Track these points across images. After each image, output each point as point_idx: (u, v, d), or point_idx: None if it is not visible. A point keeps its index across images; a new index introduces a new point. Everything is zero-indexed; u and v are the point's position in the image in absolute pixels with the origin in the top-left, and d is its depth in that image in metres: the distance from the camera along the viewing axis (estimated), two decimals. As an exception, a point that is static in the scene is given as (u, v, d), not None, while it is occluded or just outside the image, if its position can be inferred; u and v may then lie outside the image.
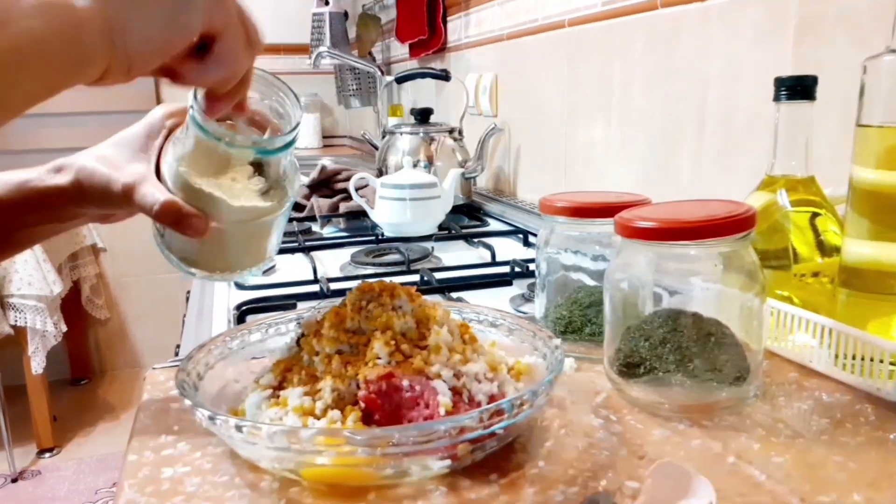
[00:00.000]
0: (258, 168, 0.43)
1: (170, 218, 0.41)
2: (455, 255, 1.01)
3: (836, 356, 0.49)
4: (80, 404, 2.56)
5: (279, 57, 2.65)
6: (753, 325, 0.47)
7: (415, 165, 1.26)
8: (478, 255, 1.02)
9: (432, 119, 1.36)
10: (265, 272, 0.89)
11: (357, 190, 1.15)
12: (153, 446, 0.43)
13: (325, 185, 1.26)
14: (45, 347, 2.09)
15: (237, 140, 0.40)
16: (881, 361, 0.46)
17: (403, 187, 1.09)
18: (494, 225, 1.23)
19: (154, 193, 0.42)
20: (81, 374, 2.73)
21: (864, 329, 0.48)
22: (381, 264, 0.93)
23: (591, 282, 0.58)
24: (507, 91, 1.42)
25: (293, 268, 0.91)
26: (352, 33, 2.37)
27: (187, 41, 0.36)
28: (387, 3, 2.17)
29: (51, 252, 2.15)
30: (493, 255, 0.93)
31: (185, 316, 0.88)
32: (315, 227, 1.19)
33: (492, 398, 0.42)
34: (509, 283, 0.82)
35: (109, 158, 0.45)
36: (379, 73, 1.79)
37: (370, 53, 2.33)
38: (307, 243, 1.02)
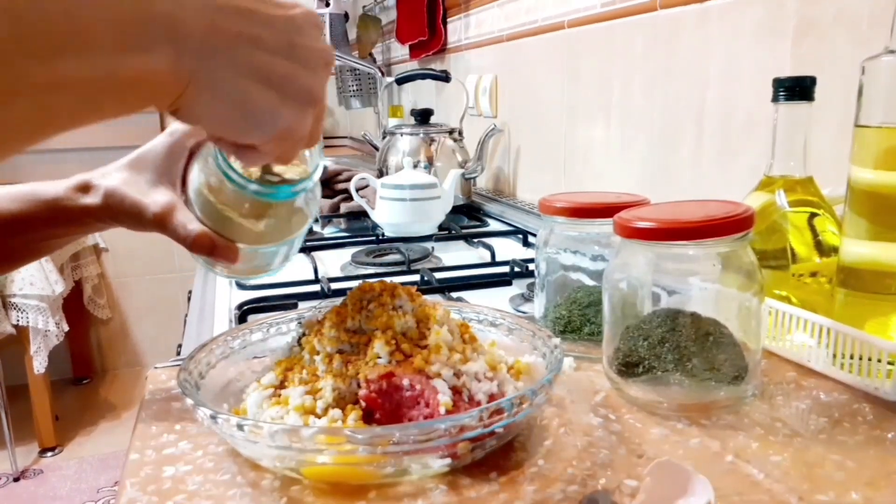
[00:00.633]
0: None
1: (203, 249, 0.43)
2: (455, 255, 1.01)
3: (834, 356, 0.50)
4: (81, 403, 2.56)
5: (280, 57, 2.64)
6: (752, 325, 0.47)
7: (415, 166, 1.26)
8: (478, 255, 1.02)
9: (432, 120, 1.36)
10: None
11: (358, 190, 1.16)
12: (155, 445, 0.44)
13: (325, 185, 1.26)
14: (47, 347, 2.10)
15: (259, 188, 0.41)
16: (879, 361, 0.47)
17: (404, 188, 1.09)
18: (494, 225, 1.23)
19: (186, 225, 0.43)
20: (83, 373, 2.73)
21: (862, 329, 0.48)
22: (381, 264, 0.94)
23: (590, 282, 0.58)
24: (507, 92, 1.42)
25: (294, 268, 0.91)
26: (352, 34, 2.37)
27: (230, 140, 0.35)
28: (387, 4, 2.17)
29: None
30: (493, 255, 0.94)
31: (186, 315, 0.88)
32: (316, 227, 1.19)
33: (491, 397, 0.42)
34: (509, 283, 0.82)
35: (135, 183, 0.46)
36: (379, 74, 1.79)
37: (370, 54, 2.33)
38: (308, 243, 1.02)
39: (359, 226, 1.18)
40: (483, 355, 0.45)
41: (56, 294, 2.09)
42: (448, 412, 0.39)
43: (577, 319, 0.57)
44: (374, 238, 1.09)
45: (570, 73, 1.14)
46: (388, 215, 1.10)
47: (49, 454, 2.20)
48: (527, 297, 0.76)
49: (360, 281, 0.48)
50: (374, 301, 0.45)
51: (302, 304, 0.71)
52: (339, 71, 2.29)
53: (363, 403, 0.41)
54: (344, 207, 1.19)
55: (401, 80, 1.43)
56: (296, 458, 0.37)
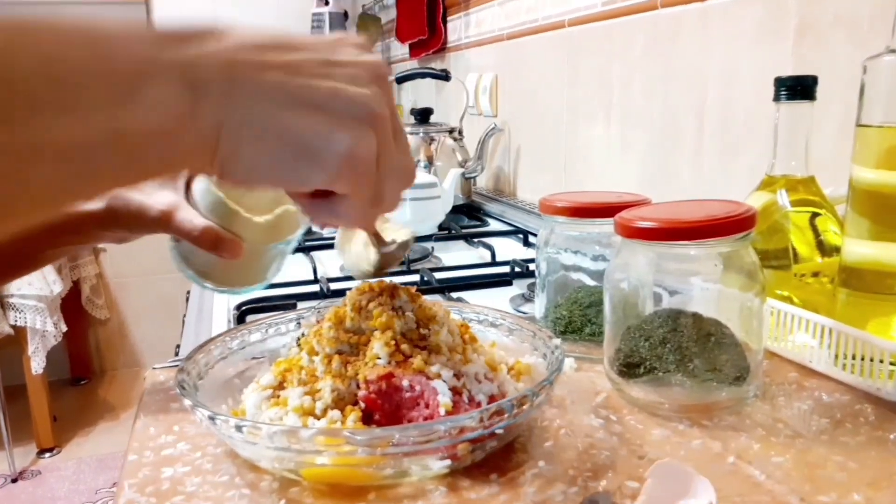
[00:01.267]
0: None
1: (208, 243, 0.43)
2: (455, 255, 1.01)
3: (836, 356, 0.49)
4: (80, 404, 2.56)
5: (279, 57, 2.64)
6: (753, 325, 0.47)
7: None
8: (478, 255, 1.02)
9: (432, 119, 1.36)
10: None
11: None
12: (153, 446, 0.43)
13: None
14: (45, 347, 2.09)
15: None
16: (881, 361, 0.46)
17: (403, 187, 1.09)
18: (494, 225, 1.23)
19: (192, 220, 0.44)
20: (81, 373, 2.73)
21: (864, 329, 0.48)
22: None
23: (590, 282, 0.58)
24: (507, 91, 1.42)
25: (293, 268, 0.91)
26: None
27: (295, 189, 0.32)
28: (387, 3, 2.17)
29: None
30: (493, 255, 0.93)
31: (185, 316, 0.88)
32: (315, 227, 1.19)
33: (492, 398, 0.42)
34: (509, 283, 0.82)
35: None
36: (379, 73, 1.79)
37: (370, 53, 2.33)
38: (308, 243, 1.02)
39: (358, 226, 1.17)
40: (483, 356, 0.45)
41: (54, 294, 2.09)
42: (448, 413, 0.39)
43: (577, 320, 0.56)
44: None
45: (571, 73, 1.14)
46: (388, 215, 1.10)
47: (47, 455, 2.20)
48: (527, 298, 0.76)
49: (360, 281, 0.47)
50: (374, 301, 0.45)
51: (301, 305, 0.71)
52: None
53: (362, 404, 0.40)
54: (343, 207, 1.19)
55: (400, 79, 1.42)
56: (295, 459, 0.37)
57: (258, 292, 0.79)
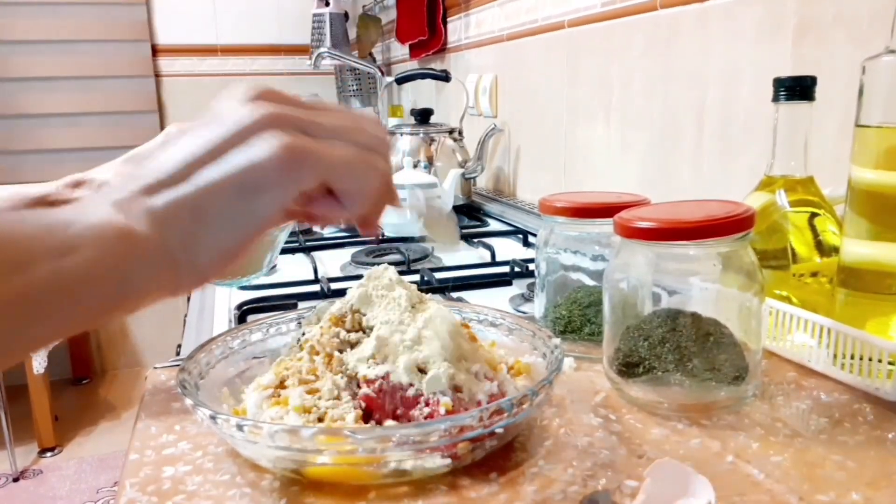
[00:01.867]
0: None
1: None
2: (455, 255, 1.01)
3: (835, 356, 0.49)
4: (81, 404, 2.56)
5: (279, 58, 2.65)
6: (752, 325, 0.47)
7: (415, 166, 1.26)
8: (478, 255, 1.02)
9: (432, 119, 1.36)
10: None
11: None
12: (154, 445, 0.43)
13: (325, 185, 1.26)
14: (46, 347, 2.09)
15: None
16: (879, 361, 0.46)
17: (404, 188, 1.09)
18: (494, 225, 1.23)
19: None
20: (83, 373, 2.73)
21: (863, 329, 0.48)
22: (381, 264, 0.93)
23: (590, 282, 0.58)
24: (507, 91, 1.42)
25: (294, 268, 0.91)
26: (352, 34, 2.37)
27: (267, 227, 0.31)
28: (387, 3, 2.17)
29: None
30: (493, 255, 0.94)
31: (186, 315, 0.88)
32: (316, 228, 1.19)
33: (492, 397, 0.42)
34: (509, 283, 0.82)
35: (130, 176, 0.44)
36: (379, 73, 1.79)
37: (370, 54, 2.33)
38: (308, 243, 1.02)
39: (358, 226, 1.17)
40: (483, 355, 0.45)
41: (56, 294, 2.08)
42: (448, 412, 0.39)
43: (577, 319, 0.57)
44: (373, 238, 1.09)
45: (571, 73, 1.14)
46: (388, 215, 1.10)
47: (48, 454, 2.20)
48: (527, 297, 0.76)
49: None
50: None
51: (302, 305, 0.71)
52: (339, 71, 2.29)
53: (363, 403, 0.41)
54: (344, 207, 1.19)
55: (401, 80, 1.42)
56: (296, 458, 0.37)
57: (257, 292, 0.80)
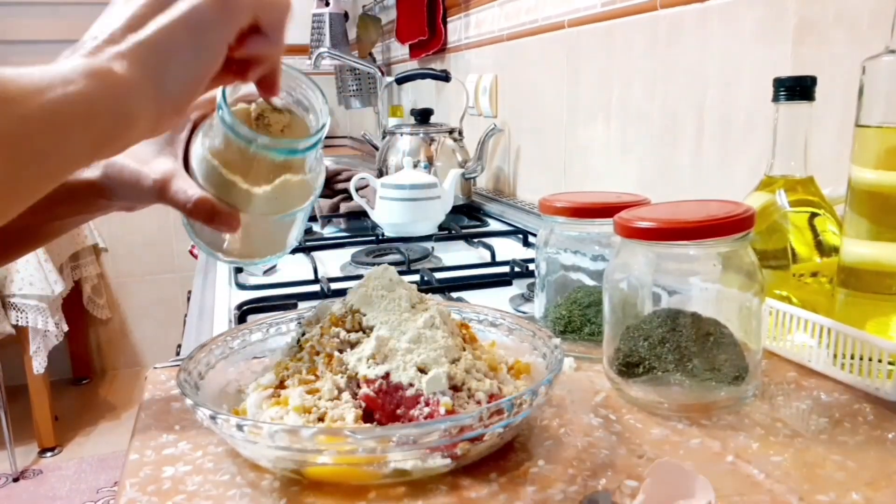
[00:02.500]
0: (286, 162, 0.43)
1: (203, 215, 0.42)
2: (455, 255, 1.01)
3: (835, 356, 0.49)
4: (81, 404, 2.56)
5: (280, 57, 2.64)
6: (752, 325, 0.47)
7: (415, 166, 1.26)
8: (478, 255, 1.02)
9: (432, 119, 1.36)
10: (266, 271, 0.90)
11: (357, 190, 1.16)
12: (154, 445, 0.43)
13: (325, 185, 1.26)
14: (46, 347, 2.09)
15: (266, 142, 0.40)
16: (879, 361, 0.46)
17: (404, 188, 1.09)
18: (494, 225, 1.23)
19: (187, 190, 0.42)
20: (83, 373, 2.73)
21: (863, 329, 0.48)
22: (381, 264, 0.93)
23: (590, 282, 0.58)
24: (507, 92, 1.42)
25: (294, 268, 0.91)
26: (352, 34, 2.37)
27: (221, 57, 0.36)
28: (387, 3, 2.17)
29: (52, 252, 2.15)
30: (493, 255, 0.94)
31: (186, 315, 0.88)
32: (316, 228, 1.19)
33: (492, 397, 0.42)
34: (509, 283, 0.82)
35: (136, 152, 0.44)
36: (379, 73, 1.79)
37: (370, 54, 2.33)
38: (308, 243, 1.02)
39: (359, 226, 1.18)
40: (483, 355, 0.45)
41: (55, 294, 2.09)
42: (448, 412, 0.39)
43: (577, 319, 0.57)
44: (374, 238, 1.09)
45: (570, 73, 1.14)
46: (388, 215, 1.10)
47: (48, 454, 2.20)
48: (527, 297, 0.76)
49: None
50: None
51: (302, 305, 0.71)
52: (339, 71, 2.29)
53: (363, 403, 0.41)
54: (344, 207, 1.19)
55: (401, 80, 1.42)
56: (296, 458, 0.37)
57: (257, 292, 0.80)
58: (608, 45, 1.02)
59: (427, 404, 0.40)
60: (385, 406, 0.41)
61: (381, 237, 1.09)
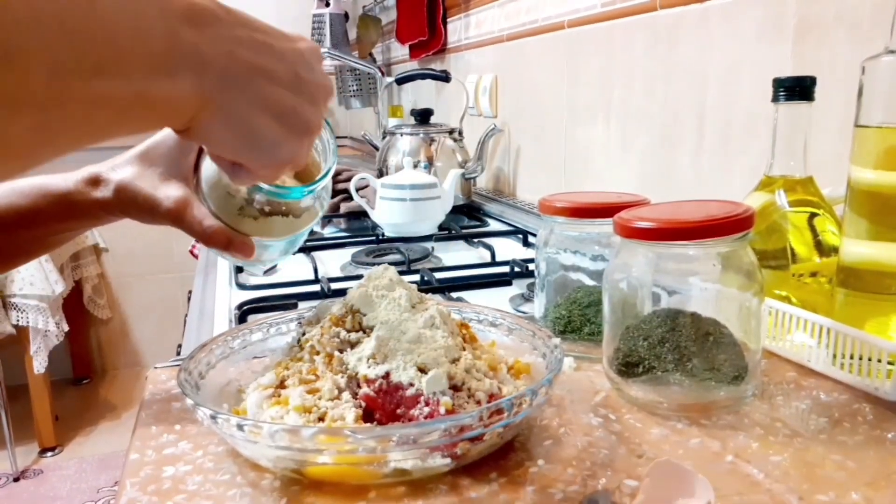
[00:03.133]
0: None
1: (220, 244, 0.44)
2: (455, 255, 1.01)
3: (835, 356, 0.50)
4: (81, 403, 2.56)
5: (280, 57, 2.64)
6: (752, 325, 0.47)
7: (415, 166, 1.26)
8: (478, 255, 1.02)
9: (432, 120, 1.36)
10: (267, 271, 0.90)
11: (358, 190, 1.16)
12: (155, 445, 0.44)
13: (325, 185, 1.26)
14: (46, 347, 2.10)
15: (275, 189, 0.42)
16: (879, 361, 0.47)
17: (404, 188, 1.09)
18: (494, 225, 1.23)
19: (202, 221, 0.45)
20: (83, 373, 2.73)
21: (862, 329, 0.48)
22: (381, 264, 0.94)
23: (590, 282, 0.58)
24: (507, 92, 1.42)
25: (294, 268, 0.91)
26: (352, 34, 2.37)
27: (241, 161, 0.36)
28: (387, 4, 2.17)
29: (52, 252, 2.16)
30: (493, 255, 0.94)
31: (186, 315, 0.88)
32: (316, 228, 1.19)
33: (492, 397, 0.42)
34: (509, 283, 0.82)
35: (146, 177, 0.47)
36: (379, 74, 1.79)
37: (370, 54, 2.33)
38: (308, 243, 1.02)
39: (359, 226, 1.18)
40: (483, 355, 0.45)
41: (56, 294, 2.09)
42: (448, 412, 0.39)
43: (577, 319, 0.57)
44: (374, 238, 1.09)
45: (570, 73, 1.14)
46: (388, 215, 1.10)
47: (49, 454, 2.20)
48: (527, 297, 0.76)
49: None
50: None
51: (302, 304, 0.71)
52: (339, 71, 2.29)
53: (363, 403, 0.41)
54: (344, 207, 1.20)
55: (401, 80, 1.43)
56: (296, 458, 0.37)
57: (257, 292, 0.80)
58: (608, 45, 1.02)
59: (427, 404, 0.40)
60: (385, 406, 0.41)
61: (381, 237, 1.10)
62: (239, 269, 0.88)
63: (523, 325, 0.50)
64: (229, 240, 0.44)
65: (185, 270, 2.71)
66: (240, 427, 0.37)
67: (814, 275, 0.54)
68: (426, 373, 0.41)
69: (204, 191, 0.45)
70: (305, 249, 0.99)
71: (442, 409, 0.39)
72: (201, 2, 0.32)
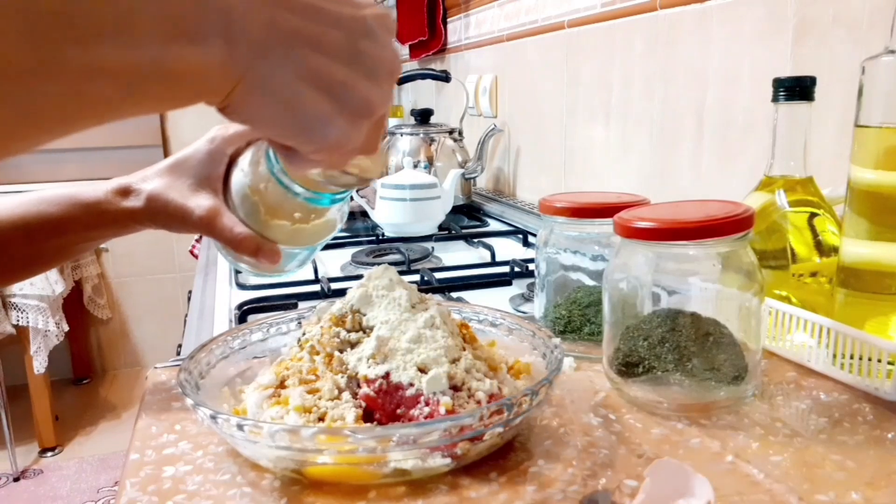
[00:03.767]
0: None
1: (249, 251, 0.45)
2: (455, 255, 1.01)
3: (834, 356, 0.50)
4: (81, 403, 2.56)
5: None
6: (752, 325, 0.47)
7: (415, 166, 1.26)
8: (478, 255, 1.02)
9: (432, 120, 1.36)
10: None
11: (358, 190, 1.16)
12: (155, 445, 0.44)
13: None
14: (47, 347, 2.10)
15: (309, 194, 0.43)
16: (879, 361, 0.47)
17: (404, 188, 1.09)
18: (494, 225, 1.23)
19: (233, 228, 0.45)
20: (83, 373, 2.73)
21: (862, 329, 0.48)
22: (381, 264, 0.94)
23: (590, 282, 0.58)
24: (507, 92, 1.42)
25: (294, 268, 0.91)
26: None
27: (291, 144, 0.32)
28: (387, 4, 2.17)
29: (52, 252, 2.15)
30: (493, 255, 0.94)
31: (186, 315, 0.88)
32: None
33: (492, 397, 0.42)
34: (509, 283, 0.82)
35: (177, 187, 0.47)
36: (379, 73, 1.79)
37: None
38: (308, 243, 1.02)
39: (359, 226, 1.18)
40: (483, 355, 0.45)
41: (56, 294, 2.09)
42: (448, 412, 0.39)
43: (577, 319, 0.57)
44: (374, 238, 1.09)
45: (570, 73, 1.14)
46: (388, 215, 1.10)
47: (49, 454, 2.20)
48: (527, 297, 0.76)
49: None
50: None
51: (302, 304, 0.71)
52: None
53: (363, 403, 0.41)
54: (344, 207, 1.19)
55: (400, 80, 1.42)
56: (296, 458, 0.37)
57: (257, 292, 0.80)
58: (608, 45, 1.02)
59: (427, 404, 0.40)
60: (385, 406, 0.41)
61: (381, 237, 1.10)
62: (239, 270, 0.88)
63: (523, 325, 0.50)
64: (258, 246, 0.44)
65: (185, 270, 2.71)
66: (240, 427, 0.37)
67: (814, 275, 0.54)
68: (426, 373, 0.41)
69: (234, 199, 0.46)
70: (305, 249, 0.99)
71: (442, 410, 0.39)
72: None
